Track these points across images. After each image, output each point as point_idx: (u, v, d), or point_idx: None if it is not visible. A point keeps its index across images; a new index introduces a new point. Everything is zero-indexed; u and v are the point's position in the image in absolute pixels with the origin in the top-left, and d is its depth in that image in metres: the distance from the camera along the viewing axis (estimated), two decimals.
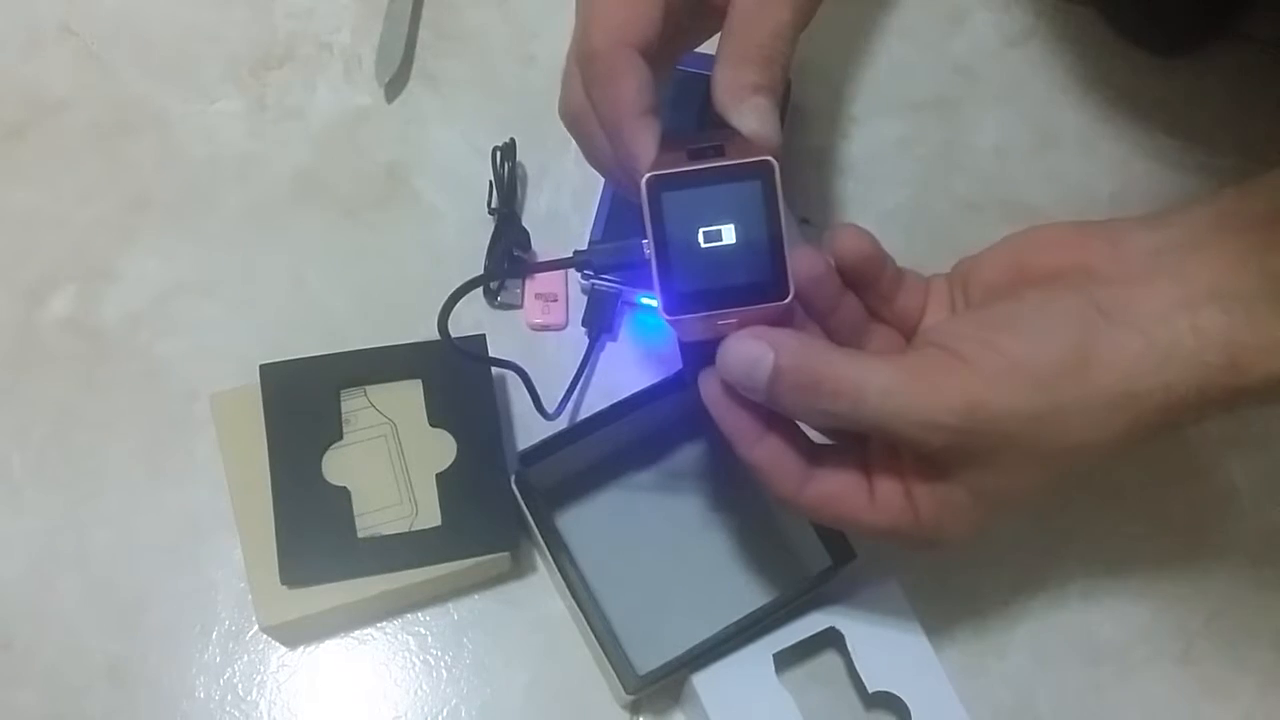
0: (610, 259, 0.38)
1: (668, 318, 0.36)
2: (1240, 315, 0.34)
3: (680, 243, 0.35)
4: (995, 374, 0.35)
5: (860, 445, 0.39)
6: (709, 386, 0.38)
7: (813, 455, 0.38)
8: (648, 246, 0.36)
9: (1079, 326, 0.35)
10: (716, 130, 0.38)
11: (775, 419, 0.37)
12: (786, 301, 0.36)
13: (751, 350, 0.36)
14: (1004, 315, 0.37)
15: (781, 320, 0.37)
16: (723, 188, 0.35)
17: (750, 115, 0.37)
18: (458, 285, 0.39)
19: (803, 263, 0.38)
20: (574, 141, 0.43)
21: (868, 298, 0.40)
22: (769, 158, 0.35)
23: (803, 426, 0.39)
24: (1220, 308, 0.34)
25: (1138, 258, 0.37)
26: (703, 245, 0.35)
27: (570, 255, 0.39)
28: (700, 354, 0.38)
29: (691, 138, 0.37)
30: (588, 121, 0.40)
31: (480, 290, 0.54)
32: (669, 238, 0.35)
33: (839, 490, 0.38)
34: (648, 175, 0.35)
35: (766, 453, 0.38)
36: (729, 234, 0.35)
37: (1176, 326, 0.34)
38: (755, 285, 0.36)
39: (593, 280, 0.53)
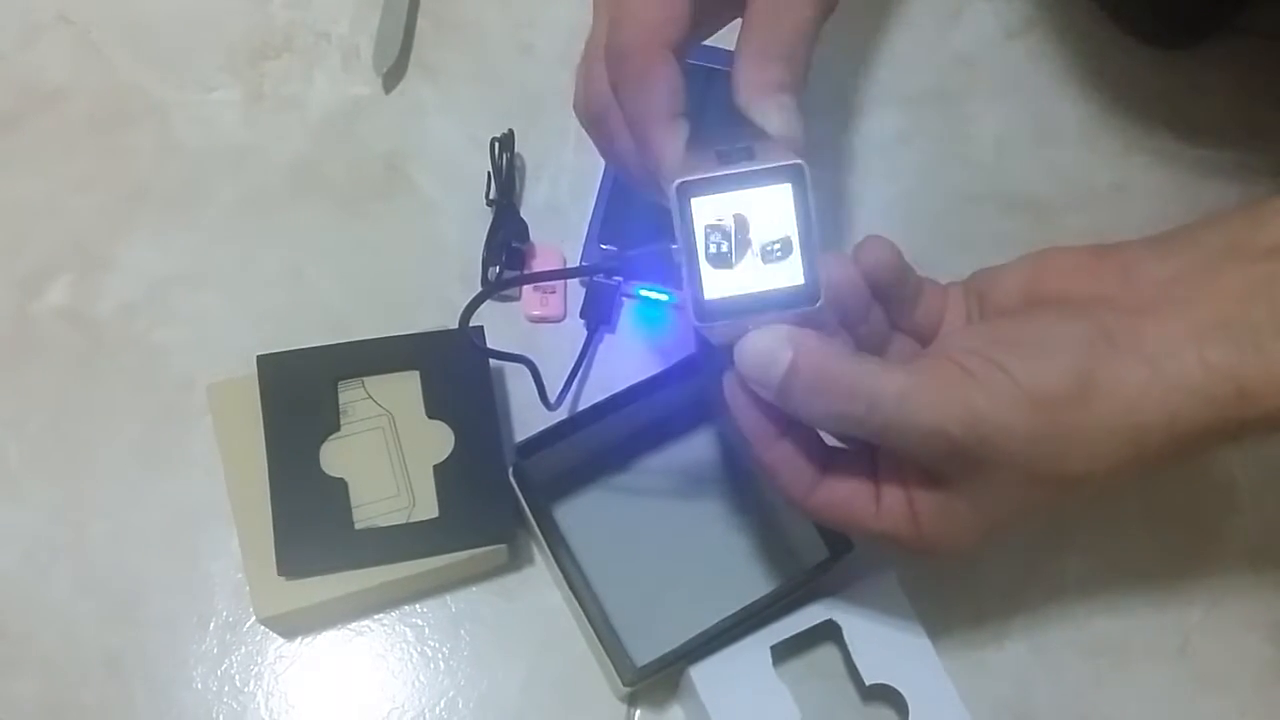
0: (640, 266, 0.38)
1: (699, 324, 0.36)
2: (1249, 348, 0.34)
3: (711, 248, 0.35)
4: (999, 392, 0.35)
5: (869, 452, 0.39)
6: (731, 384, 0.38)
7: (824, 460, 0.38)
8: (678, 253, 0.36)
9: (1086, 353, 0.35)
10: (739, 129, 0.37)
11: (792, 423, 0.37)
12: (817, 306, 0.36)
13: (770, 346, 0.35)
14: (1013, 335, 0.37)
15: (811, 326, 0.36)
16: (754, 192, 0.35)
17: (775, 114, 0.37)
18: (468, 281, 0.39)
19: (839, 271, 0.38)
20: (579, 128, 0.43)
21: (889, 308, 0.40)
22: (800, 161, 0.35)
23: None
24: (1229, 340, 0.34)
25: (1148, 287, 0.37)
26: (734, 250, 0.35)
27: (584, 253, 0.38)
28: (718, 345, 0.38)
29: (717, 138, 0.37)
30: (612, 120, 0.40)
31: (478, 282, 0.54)
32: (699, 243, 0.35)
33: (846, 497, 0.38)
34: (678, 180, 0.35)
35: (780, 455, 0.38)
36: (760, 238, 0.35)
37: (1184, 358, 0.34)
38: (787, 290, 0.35)
39: None
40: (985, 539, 0.38)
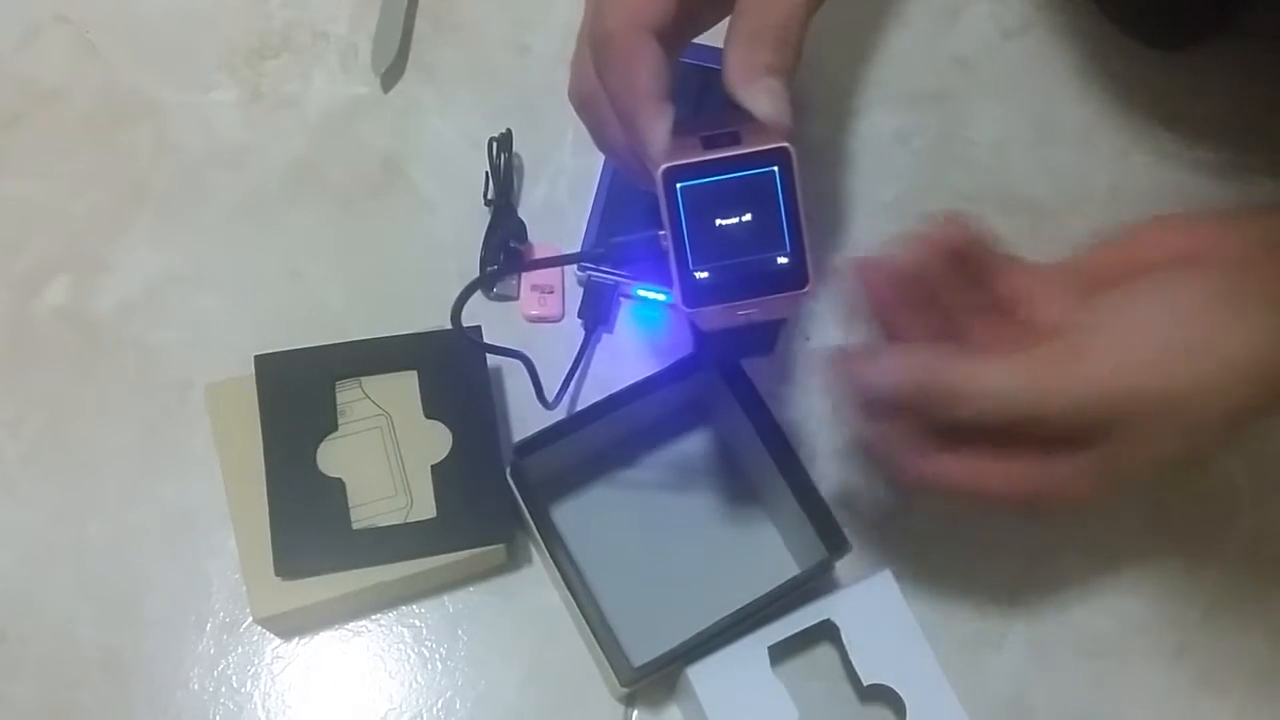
0: (628, 253, 0.38)
1: (688, 310, 0.35)
2: None
3: (698, 233, 0.35)
4: (1118, 361, 0.37)
5: None
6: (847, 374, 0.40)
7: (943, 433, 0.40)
8: (665, 238, 0.35)
9: (1193, 313, 0.37)
10: (728, 115, 0.37)
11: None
12: (805, 290, 0.36)
13: (899, 375, 0.38)
14: (1122, 305, 0.39)
15: (799, 303, 0.37)
16: (740, 176, 0.35)
17: (762, 97, 0.36)
18: (466, 281, 0.39)
19: (917, 253, 0.40)
20: (577, 128, 0.43)
21: (973, 286, 0.42)
22: (786, 144, 0.35)
23: None
24: None
25: (1245, 246, 0.39)
26: (721, 235, 0.35)
27: (580, 250, 0.38)
28: (713, 336, 0.38)
29: (705, 124, 0.37)
30: (599, 105, 0.40)
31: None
32: (687, 229, 0.35)
33: (975, 466, 0.40)
34: (664, 166, 0.35)
35: (897, 428, 0.40)
36: (747, 223, 0.35)
37: None
38: (775, 274, 0.35)
39: (589, 272, 0.53)
40: (1122, 485, 0.40)
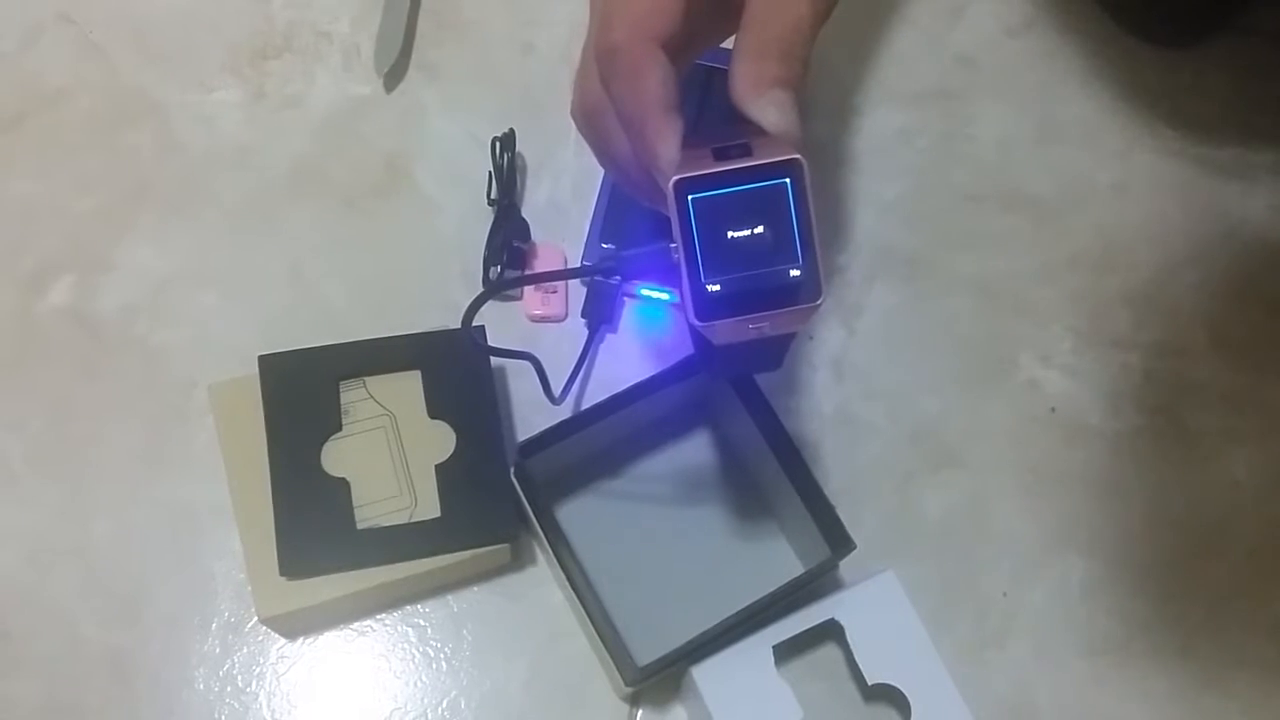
0: (638, 266, 0.38)
1: (699, 324, 0.35)
2: None
3: (710, 246, 0.35)
4: None
5: None
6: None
7: None
8: (676, 251, 0.35)
9: None
10: (737, 127, 0.37)
11: None
12: (819, 303, 0.35)
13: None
14: None
15: (811, 318, 0.36)
16: (752, 189, 0.34)
17: (770, 109, 0.36)
18: (470, 280, 0.39)
19: None
20: (579, 136, 0.42)
21: None
22: (798, 156, 0.35)
23: None
24: None
25: None
26: (733, 248, 0.35)
27: (587, 263, 0.37)
28: (720, 355, 0.38)
29: (714, 135, 0.36)
30: (605, 119, 0.40)
31: (479, 281, 0.54)
32: (698, 241, 0.35)
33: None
34: (675, 178, 0.34)
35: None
36: (759, 235, 0.35)
37: None
38: (788, 287, 0.35)
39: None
40: None
